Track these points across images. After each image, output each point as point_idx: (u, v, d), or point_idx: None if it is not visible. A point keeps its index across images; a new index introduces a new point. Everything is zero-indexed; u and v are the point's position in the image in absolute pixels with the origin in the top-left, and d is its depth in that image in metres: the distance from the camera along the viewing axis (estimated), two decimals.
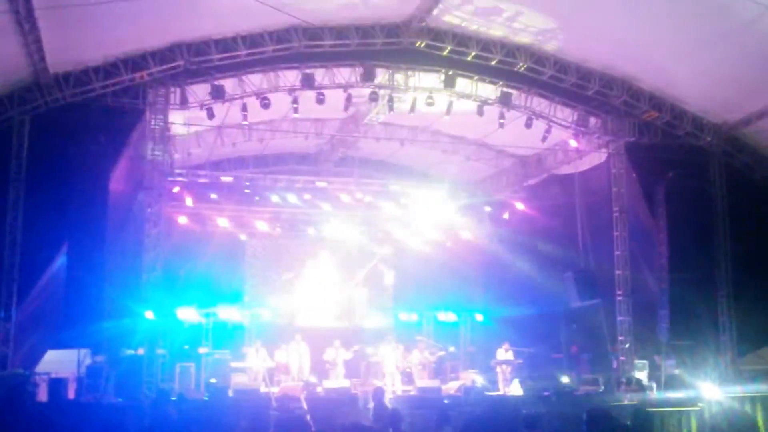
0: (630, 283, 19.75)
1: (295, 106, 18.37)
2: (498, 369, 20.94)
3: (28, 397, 14.17)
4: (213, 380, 18.99)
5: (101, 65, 16.87)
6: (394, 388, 19.92)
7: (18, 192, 16.69)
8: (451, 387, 20.41)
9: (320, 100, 18.27)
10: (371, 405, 13.69)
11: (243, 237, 24.53)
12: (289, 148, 23.63)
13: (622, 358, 19.33)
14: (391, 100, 18.96)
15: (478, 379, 20.85)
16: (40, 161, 16.76)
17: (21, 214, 16.61)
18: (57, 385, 15.62)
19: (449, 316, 24.78)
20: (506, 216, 24.52)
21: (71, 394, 16.02)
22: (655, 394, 17.88)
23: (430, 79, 18.91)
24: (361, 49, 17.90)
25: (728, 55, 16.85)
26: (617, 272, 19.86)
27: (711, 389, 16.89)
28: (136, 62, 17.03)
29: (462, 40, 18.09)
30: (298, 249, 25.17)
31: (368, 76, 18.20)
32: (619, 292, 19.74)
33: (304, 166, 24.30)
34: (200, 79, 17.69)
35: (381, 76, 18.58)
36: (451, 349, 23.98)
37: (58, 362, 16.52)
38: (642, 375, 18.73)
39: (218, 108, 18.25)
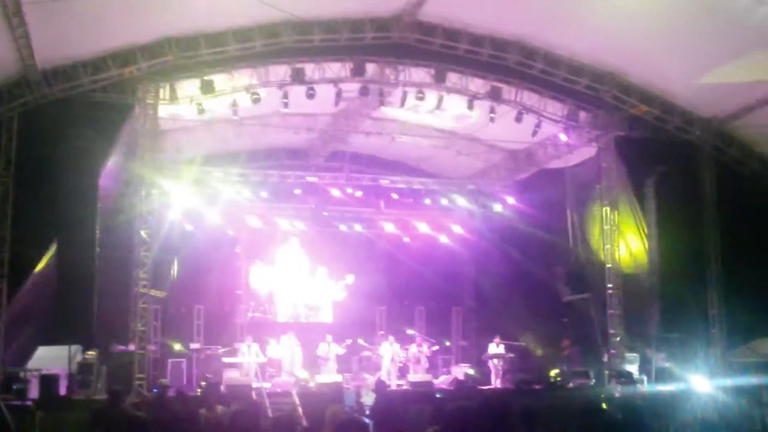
0: (620, 276, 19.83)
1: (285, 101, 18.33)
2: (490, 363, 21.02)
3: None
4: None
5: (90, 60, 16.79)
6: (387, 382, 19.95)
7: (7, 188, 16.63)
8: (443, 381, 20.49)
9: (310, 95, 18.25)
10: (364, 399, 13.73)
11: (233, 232, 24.40)
12: (279, 143, 23.57)
13: (612, 351, 19.41)
14: (381, 94, 18.97)
15: (471, 373, 20.91)
16: (29, 157, 16.68)
17: (10, 211, 16.55)
18: (48, 381, 15.59)
19: None
20: (497, 210, 24.52)
21: (63, 391, 16.00)
22: (645, 387, 17.98)
23: (420, 74, 18.91)
24: (351, 44, 17.88)
25: (718, 50, 16.89)
26: (607, 266, 19.95)
27: (701, 382, 16.98)
28: (125, 57, 16.96)
29: (452, 34, 18.11)
30: (289, 244, 25.07)
31: (358, 71, 18.19)
32: (609, 286, 19.83)
33: (294, 161, 24.26)
34: (190, 73, 17.64)
35: (371, 70, 18.56)
36: (447, 343, 24.07)
37: (49, 358, 16.48)
38: (633, 368, 18.82)
39: (208, 103, 18.19)
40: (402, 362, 21.23)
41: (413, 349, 21.45)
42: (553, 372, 19.97)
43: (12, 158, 16.69)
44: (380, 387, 12.98)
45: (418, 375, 20.38)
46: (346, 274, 24.80)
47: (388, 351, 21.07)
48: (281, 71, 18.02)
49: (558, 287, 21.30)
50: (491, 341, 21.25)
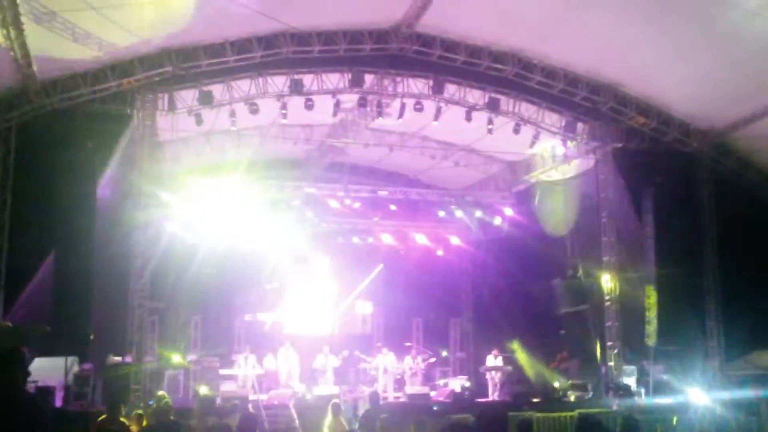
0: (618, 288, 19.82)
1: (283, 112, 18.35)
2: (488, 375, 20.96)
3: None
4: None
5: (89, 71, 16.81)
6: (384, 395, 19.89)
7: (5, 199, 16.61)
8: (440, 393, 20.42)
9: (309, 106, 18.27)
10: (360, 411, 13.71)
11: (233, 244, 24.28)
12: (278, 154, 23.57)
13: (610, 363, 19.37)
14: (379, 105, 19.00)
15: (468, 386, 20.85)
16: (28, 168, 16.69)
17: (8, 221, 16.53)
18: (44, 393, 15.51)
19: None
20: (495, 222, 24.49)
21: (58, 402, 15.93)
22: (643, 400, 17.94)
23: (418, 85, 18.95)
24: (350, 55, 17.94)
25: (715, 61, 16.95)
26: (605, 278, 19.92)
27: (699, 395, 16.95)
28: (123, 68, 16.98)
29: (450, 46, 18.17)
30: (287, 256, 24.98)
31: (356, 82, 18.22)
32: (607, 298, 19.81)
33: (292, 171, 24.23)
34: (188, 84, 17.67)
35: (369, 81, 18.60)
36: (444, 354, 23.98)
37: (46, 370, 16.40)
38: (630, 381, 18.79)
39: (207, 114, 18.20)
40: (399, 375, 21.15)
41: (408, 361, 21.39)
42: (556, 383, 19.87)
43: (10, 168, 16.69)
44: (374, 398, 12.98)
45: (415, 387, 20.31)
46: (355, 288, 24.69)
47: (382, 363, 21.01)
48: (280, 82, 18.05)
49: (556, 299, 21.27)
50: (489, 353, 21.19)
